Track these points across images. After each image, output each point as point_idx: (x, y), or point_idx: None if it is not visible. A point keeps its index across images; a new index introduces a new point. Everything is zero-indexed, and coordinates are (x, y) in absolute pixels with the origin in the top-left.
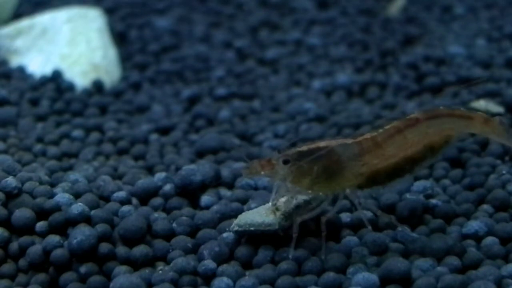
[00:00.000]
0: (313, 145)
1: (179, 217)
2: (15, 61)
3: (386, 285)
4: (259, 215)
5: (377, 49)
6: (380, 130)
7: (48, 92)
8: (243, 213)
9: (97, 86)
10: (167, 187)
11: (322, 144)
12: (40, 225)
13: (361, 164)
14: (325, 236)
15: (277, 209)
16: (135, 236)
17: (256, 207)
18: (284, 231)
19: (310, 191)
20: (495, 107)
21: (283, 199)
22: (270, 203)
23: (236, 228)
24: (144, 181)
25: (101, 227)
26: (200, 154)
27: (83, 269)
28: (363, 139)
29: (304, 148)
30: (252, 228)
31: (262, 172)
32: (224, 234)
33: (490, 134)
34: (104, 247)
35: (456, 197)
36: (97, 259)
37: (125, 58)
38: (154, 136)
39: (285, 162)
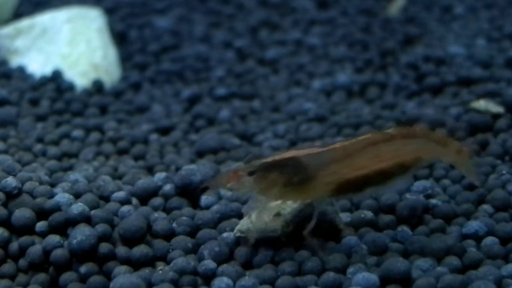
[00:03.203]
0: (279, 156)
1: (179, 217)
2: (15, 61)
3: (386, 285)
4: (260, 221)
5: (377, 49)
6: (353, 140)
7: (48, 92)
8: (245, 219)
9: (97, 86)
10: (167, 187)
11: (288, 154)
12: (40, 225)
13: (329, 173)
14: (315, 244)
15: (278, 214)
16: (135, 236)
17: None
18: (287, 236)
19: (280, 201)
20: (495, 107)
21: (289, 204)
22: (272, 206)
23: (238, 234)
24: (144, 181)
25: (101, 227)
26: (200, 154)
27: (83, 269)
28: (332, 148)
29: (269, 159)
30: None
31: (229, 185)
32: (224, 234)
33: (459, 165)
34: (104, 247)
35: (456, 197)
36: (97, 259)
37: (125, 58)
38: (154, 136)
39: (251, 173)
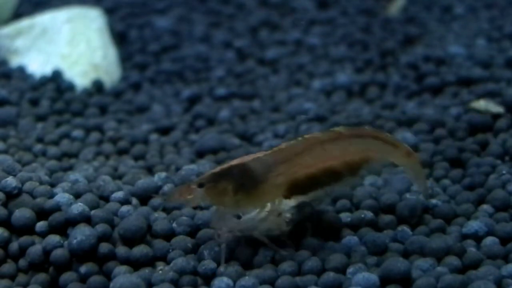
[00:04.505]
0: (226, 165)
1: (179, 217)
2: (15, 61)
3: (386, 285)
4: (259, 220)
5: (377, 49)
6: (300, 139)
7: (48, 92)
8: (244, 217)
9: (97, 86)
10: (167, 187)
11: (234, 162)
12: (40, 225)
13: (276, 174)
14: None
15: (279, 214)
16: (135, 236)
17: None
18: (287, 235)
19: (238, 208)
20: (495, 107)
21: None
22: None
23: (238, 233)
24: (144, 181)
25: (101, 227)
26: (200, 154)
27: (83, 269)
28: (277, 150)
29: (217, 169)
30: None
31: (182, 198)
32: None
33: (408, 169)
34: (104, 247)
35: (456, 197)
36: (97, 259)
37: (125, 58)
38: (154, 136)
39: (200, 186)
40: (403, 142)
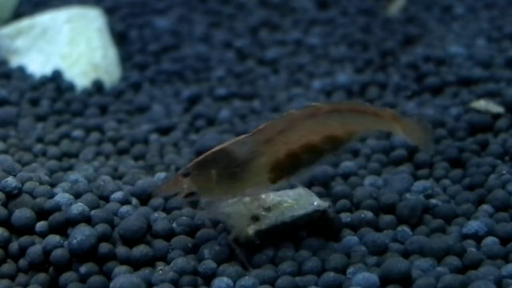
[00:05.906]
0: (208, 152)
1: (179, 217)
2: (15, 61)
3: (386, 285)
4: (240, 219)
5: (377, 49)
6: (278, 117)
7: (48, 92)
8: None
9: (97, 86)
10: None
11: (216, 148)
12: (40, 225)
13: (259, 155)
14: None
15: (257, 218)
16: (135, 236)
17: None
18: (261, 239)
19: (227, 196)
20: (495, 107)
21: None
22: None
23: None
24: (144, 181)
25: (101, 227)
26: (200, 154)
27: (83, 269)
28: (257, 131)
29: (200, 157)
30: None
31: (170, 191)
32: (224, 234)
33: (399, 132)
34: (104, 247)
35: (456, 197)
36: (97, 259)
37: (125, 58)
38: (154, 136)
39: (185, 175)
40: (386, 108)
